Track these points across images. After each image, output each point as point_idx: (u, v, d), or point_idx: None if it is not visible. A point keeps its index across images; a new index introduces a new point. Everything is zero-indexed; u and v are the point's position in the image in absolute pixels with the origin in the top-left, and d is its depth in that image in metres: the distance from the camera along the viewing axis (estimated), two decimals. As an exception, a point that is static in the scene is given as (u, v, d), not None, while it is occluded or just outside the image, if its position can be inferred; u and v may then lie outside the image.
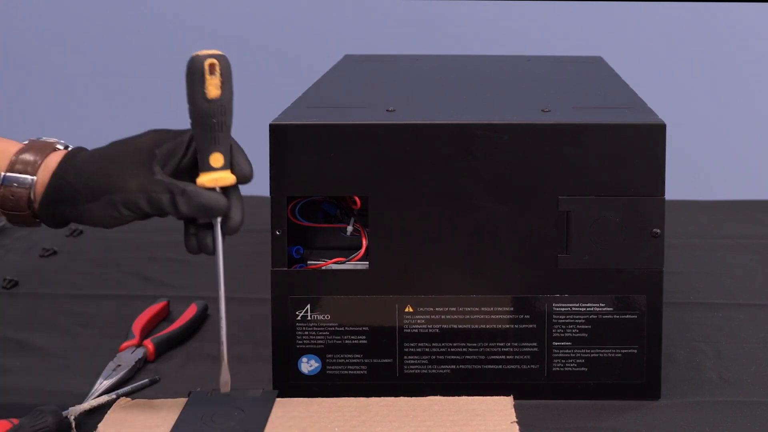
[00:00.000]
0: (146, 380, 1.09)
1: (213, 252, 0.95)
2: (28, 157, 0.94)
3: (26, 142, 0.96)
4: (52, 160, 0.94)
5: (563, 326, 1.04)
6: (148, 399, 1.03)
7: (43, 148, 0.95)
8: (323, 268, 1.04)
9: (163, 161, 0.93)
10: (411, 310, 1.04)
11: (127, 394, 1.05)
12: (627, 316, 1.04)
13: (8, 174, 0.94)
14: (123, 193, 0.91)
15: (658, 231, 1.03)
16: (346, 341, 1.04)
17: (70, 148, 0.97)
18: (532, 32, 2.56)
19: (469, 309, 1.04)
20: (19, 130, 1.09)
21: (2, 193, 0.94)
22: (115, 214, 0.92)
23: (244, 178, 0.94)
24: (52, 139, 0.97)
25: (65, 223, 0.95)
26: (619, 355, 1.04)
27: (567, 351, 1.04)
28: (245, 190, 0.89)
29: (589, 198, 1.02)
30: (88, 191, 0.92)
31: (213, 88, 0.92)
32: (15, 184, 0.94)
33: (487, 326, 1.04)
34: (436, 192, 1.02)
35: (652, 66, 2.54)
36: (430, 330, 1.04)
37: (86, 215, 0.92)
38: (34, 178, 0.94)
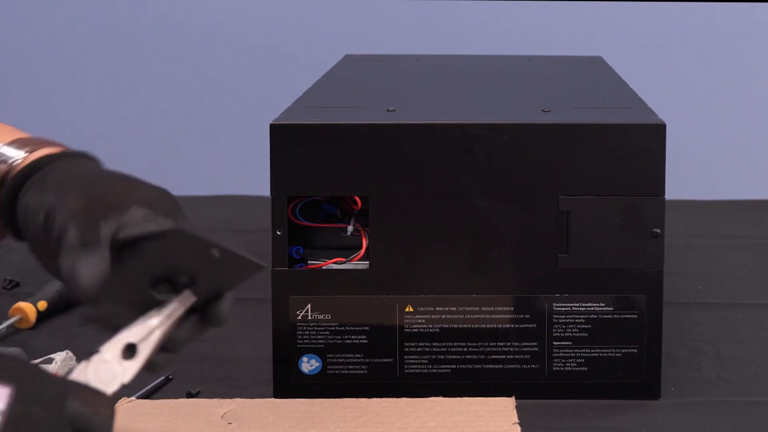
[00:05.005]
0: (162, 378, 1.08)
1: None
2: (23, 143, 0.86)
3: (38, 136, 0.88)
4: (43, 152, 0.85)
5: (563, 326, 1.04)
6: (149, 400, 1.03)
7: (46, 143, 0.86)
8: (323, 267, 1.04)
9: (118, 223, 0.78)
10: (411, 309, 1.04)
11: (146, 396, 1.05)
12: (627, 316, 1.04)
13: None
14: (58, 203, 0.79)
15: (658, 231, 1.03)
16: (347, 341, 1.04)
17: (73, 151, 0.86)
18: (532, 32, 2.56)
19: (469, 309, 1.04)
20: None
21: None
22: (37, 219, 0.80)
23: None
24: (64, 146, 0.87)
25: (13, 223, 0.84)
26: (619, 354, 1.04)
27: (567, 351, 1.04)
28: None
29: (589, 198, 1.02)
30: (39, 185, 0.81)
31: None
32: None
33: (488, 326, 1.04)
34: (436, 192, 1.02)
35: (652, 66, 2.54)
36: (431, 330, 1.04)
37: (21, 205, 0.82)
38: (19, 158, 0.84)
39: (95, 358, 0.74)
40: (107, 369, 0.74)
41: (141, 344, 0.75)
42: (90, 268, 0.76)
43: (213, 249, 0.76)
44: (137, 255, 0.77)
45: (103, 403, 0.69)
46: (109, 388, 0.73)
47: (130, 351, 0.75)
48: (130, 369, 0.75)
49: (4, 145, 0.87)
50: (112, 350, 0.75)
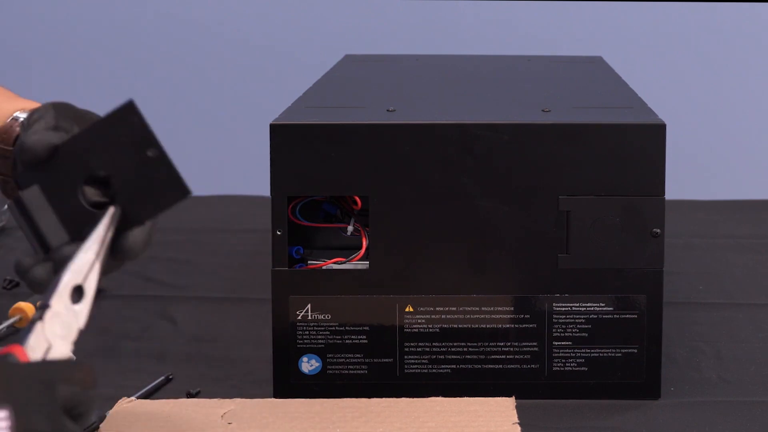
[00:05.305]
0: (162, 378, 1.08)
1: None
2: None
3: None
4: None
5: (563, 326, 1.04)
6: (149, 400, 1.03)
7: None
8: (323, 267, 1.04)
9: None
10: (411, 309, 1.04)
11: (146, 395, 1.05)
12: (627, 316, 1.04)
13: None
14: None
15: (658, 231, 1.03)
16: (347, 341, 1.04)
17: None
18: (532, 32, 2.56)
19: (469, 309, 1.04)
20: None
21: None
22: None
23: None
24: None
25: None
26: (619, 354, 1.04)
27: (567, 351, 1.04)
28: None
29: (589, 198, 1.02)
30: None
31: None
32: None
33: (487, 326, 1.04)
34: (436, 192, 1.02)
35: (652, 66, 2.54)
36: (431, 330, 1.04)
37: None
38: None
39: (47, 315, 0.74)
40: (62, 322, 0.74)
41: (86, 283, 0.75)
42: (40, 132, 0.82)
43: (150, 149, 0.77)
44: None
45: (85, 374, 0.70)
46: (69, 339, 0.73)
47: (77, 293, 0.75)
48: (82, 312, 0.74)
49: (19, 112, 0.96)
50: (61, 300, 0.74)
